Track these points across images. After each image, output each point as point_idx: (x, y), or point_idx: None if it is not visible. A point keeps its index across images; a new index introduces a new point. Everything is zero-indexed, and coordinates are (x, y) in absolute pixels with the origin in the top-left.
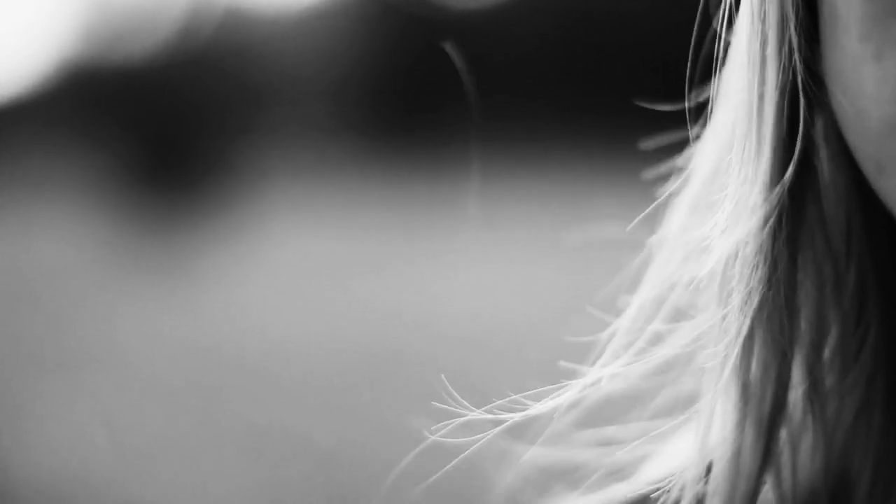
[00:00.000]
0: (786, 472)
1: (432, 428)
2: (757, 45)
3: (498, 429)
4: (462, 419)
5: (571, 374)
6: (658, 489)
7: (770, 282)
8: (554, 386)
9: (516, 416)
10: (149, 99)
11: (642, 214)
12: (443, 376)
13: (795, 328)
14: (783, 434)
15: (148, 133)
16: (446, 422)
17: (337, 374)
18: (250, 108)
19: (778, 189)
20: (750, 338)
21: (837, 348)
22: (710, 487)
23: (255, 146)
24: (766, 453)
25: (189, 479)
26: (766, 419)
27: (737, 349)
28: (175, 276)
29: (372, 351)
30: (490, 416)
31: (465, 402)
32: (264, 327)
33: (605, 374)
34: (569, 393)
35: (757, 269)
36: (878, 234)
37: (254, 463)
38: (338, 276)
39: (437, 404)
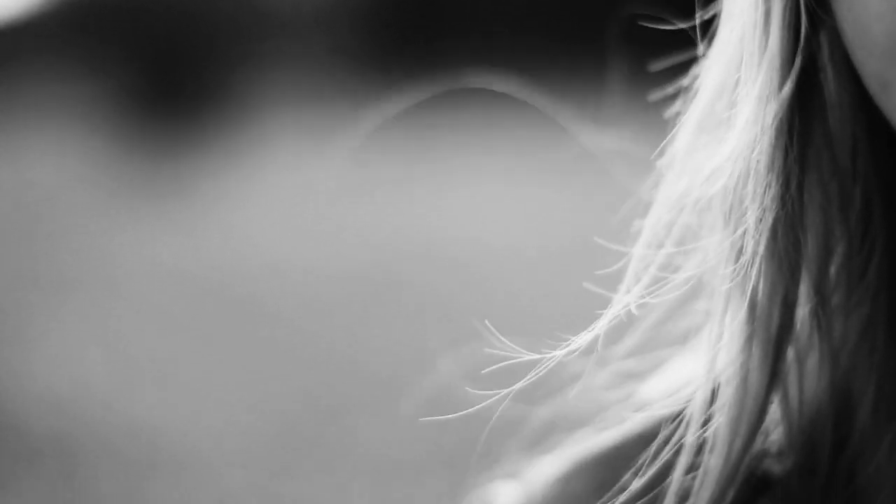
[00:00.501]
0: (793, 391)
1: (448, 364)
2: None
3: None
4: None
5: (580, 305)
6: (669, 415)
7: (781, 200)
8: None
9: (559, 354)
10: (149, 24)
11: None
12: (485, 322)
13: (803, 247)
14: (790, 353)
15: (148, 58)
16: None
17: (335, 296)
18: (251, 34)
19: (785, 104)
20: (758, 257)
21: (843, 267)
22: (719, 408)
23: (256, 72)
24: (774, 372)
25: (187, 398)
26: (773, 338)
27: (745, 269)
28: (174, 199)
29: (370, 274)
30: (535, 356)
31: (508, 343)
32: (263, 251)
33: (630, 302)
34: (602, 323)
35: (770, 187)
36: (883, 152)
37: (251, 382)
38: (337, 201)
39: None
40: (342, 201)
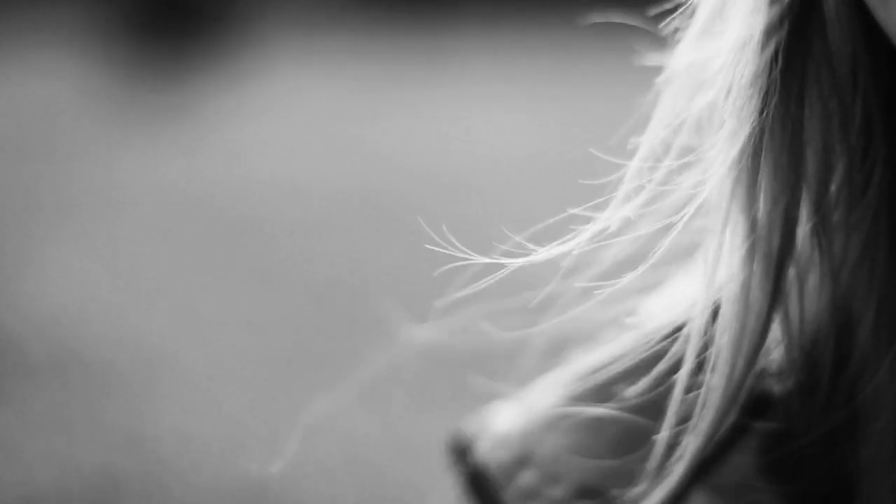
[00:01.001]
0: (793, 310)
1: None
2: None
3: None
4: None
5: (579, 220)
6: (669, 334)
7: (781, 115)
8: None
9: (519, 262)
10: None
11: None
12: (451, 229)
13: (803, 163)
14: (791, 272)
15: None
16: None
17: (338, 216)
18: None
19: (783, 14)
20: (758, 172)
21: (843, 184)
22: (719, 326)
23: None
24: (775, 290)
25: (187, 317)
26: (774, 255)
27: (745, 185)
28: (176, 120)
29: (374, 194)
30: (490, 261)
31: (467, 250)
32: (264, 171)
33: (616, 219)
34: (579, 238)
35: (769, 101)
36: (883, 69)
37: (252, 302)
38: (339, 122)
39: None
40: (346, 122)
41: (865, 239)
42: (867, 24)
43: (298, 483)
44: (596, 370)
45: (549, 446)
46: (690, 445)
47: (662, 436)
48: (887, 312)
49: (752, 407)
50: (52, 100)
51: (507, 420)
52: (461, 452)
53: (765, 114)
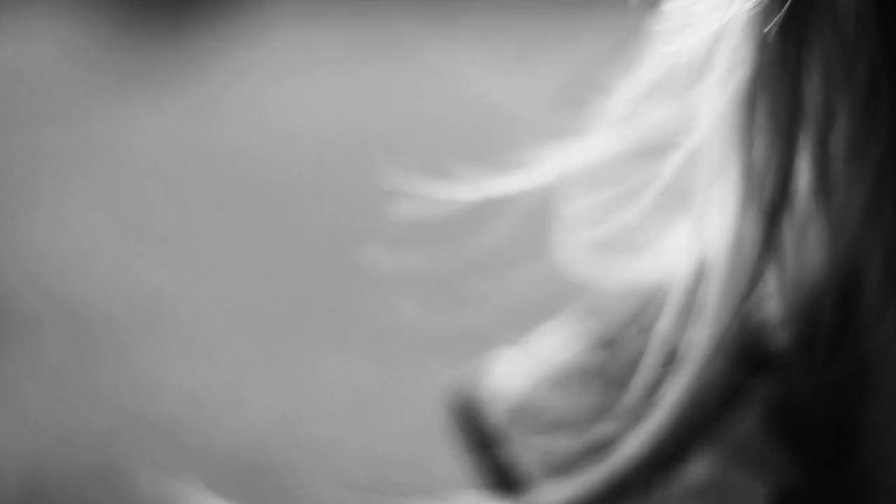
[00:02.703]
0: (790, 262)
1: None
2: None
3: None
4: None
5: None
6: (656, 285)
7: (778, 61)
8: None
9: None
10: None
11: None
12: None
13: (801, 111)
14: (790, 226)
15: None
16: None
17: (344, 169)
18: None
19: None
20: (753, 118)
21: (846, 135)
22: (710, 276)
23: None
24: (769, 241)
25: (193, 269)
26: (769, 204)
27: (738, 133)
28: (180, 75)
29: (380, 146)
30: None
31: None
32: (270, 126)
33: (593, 144)
34: (556, 163)
35: (765, 45)
36: (891, 23)
37: (258, 254)
38: (347, 77)
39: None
40: (354, 77)
41: (868, 192)
42: None
43: (302, 435)
44: (589, 324)
45: (542, 397)
46: (669, 396)
47: (632, 394)
48: (893, 266)
49: (750, 362)
50: (55, 57)
51: (504, 373)
52: (460, 406)
53: (765, 55)
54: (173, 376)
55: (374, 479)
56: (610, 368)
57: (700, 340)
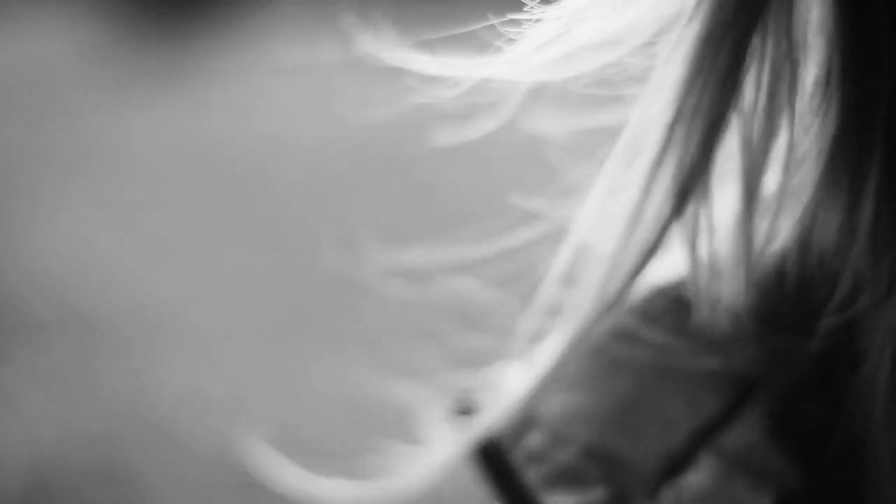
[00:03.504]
0: (702, 236)
1: None
2: None
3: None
4: None
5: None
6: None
7: (722, 50)
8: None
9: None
10: None
11: None
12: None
13: (730, 104)
14: (702, 206)
15: None
16: None
17: (343, 173)
18: None
19: None
20: (687, 101)
21: (787, 141)
22: (606, 231)
23: None
24: (678, 206)
25: (193, 275)
26: (686, 171)
27: (672, 106)
28: (181, 78)
29: (377, 151)
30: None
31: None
32: (271, 129)
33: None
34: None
35: (714, 33)
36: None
37: (258, 259)
38: (345, 80)
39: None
40: (352, 80)
41: (823, 173)
42: None
43: (301, 440)
44: (591, 328)
45: (553, 405)
46: (547, 351)
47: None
48: (882, 269)
49: (731, 390)
50: (57, 57)
51: (511, 380)
52: (467, 415)
53: (706, 48)
54: (172, 382)
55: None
56: (625, 373)
57: (584, 298)
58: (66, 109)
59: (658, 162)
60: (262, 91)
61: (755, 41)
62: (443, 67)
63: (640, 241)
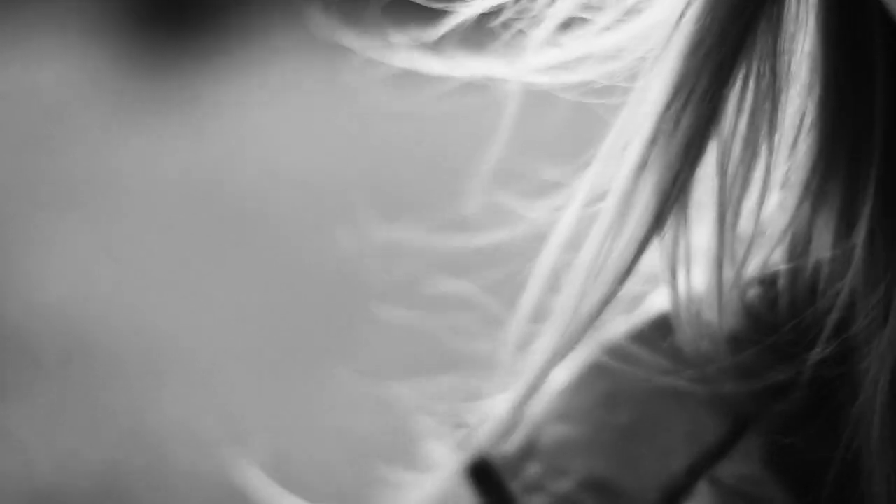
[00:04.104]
0: (681, 262)
1: None
2: None
3: None
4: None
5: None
6: (662, 325)
7: (706, 71)
8: None
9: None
10: None
11: None
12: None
13: (712, 124)
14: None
15: None
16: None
17: (341, 204)
18: None
19: None
20: (671, 116)
21: (766, 165)
22: (586, 244)
23: None
24: (657, 221)
25: (192, 307)
26: (668, 185)
27: (655, 121)
28: (178, 111)
29: (374, 183)
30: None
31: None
32: (269, 162)
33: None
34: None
35: (698, 52)
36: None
37: (256, 290)
38: (345, 111)
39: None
40: (345, 112)
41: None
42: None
43: (297, 470)
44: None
45: (552, 436)
46: (531, 365)
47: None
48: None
49: (759, 394)
50: (55, 88)
51: (509, 409)
52: (464, 444)
53: (690, 67)
54: (172, 414)
55: None
56: (623, 405)
57: (560, 312)
58: (63, 139)
59: (637, 175)
60: (259, 121)
61: (739, 66)
62: (448, 66)
63: (616, 257)
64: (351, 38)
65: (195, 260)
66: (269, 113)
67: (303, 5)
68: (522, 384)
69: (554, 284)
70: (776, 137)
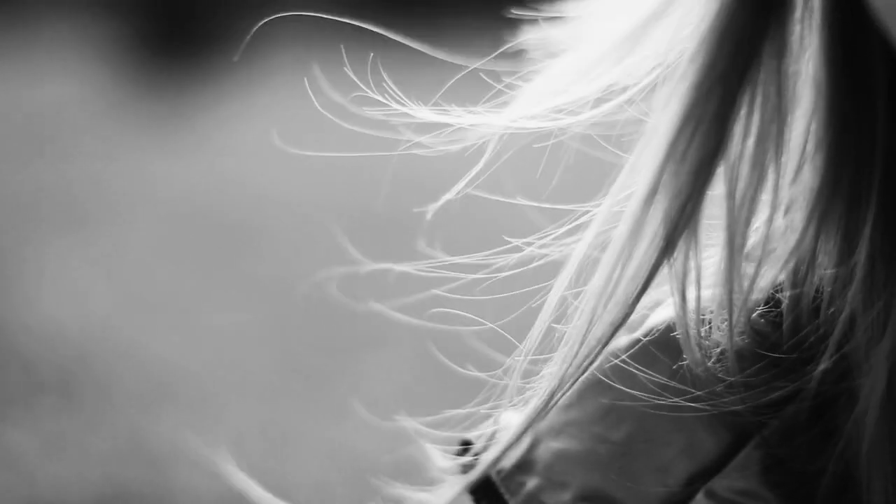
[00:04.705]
0: (691, 282)
1: None
2: None
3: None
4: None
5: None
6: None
7: (714, 96)
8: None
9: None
10: None
11: None
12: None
13: (720, 150)
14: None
15: (158, 3)
16: None
17: (339, 227)
18: None
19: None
20: (678, 146)
21: (773, 186)
22: (596, 272)
23: (260, 14)
24: (667, 246)
25: (189, 330)
26: (674, 214)
27: (662, 151)
28: (178, 132)
29: (371, 206)
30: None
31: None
32: (264, 183)
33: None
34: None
35: (706, 79)
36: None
37: (252, 312)
38: (338, 138)
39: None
40: (341, 135)
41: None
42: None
43: (297, 494)
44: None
45: (550, 450)
46: (539, 389)
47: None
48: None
49: (730, 431)
50: (56, 108)
51: (508, 426)
52: (464, 460)
53: (699, 94)
54: (171, 437)
55: None
56: (620, 418)
57: (570, 338)
58: (63, 159)
59: (648, 204)
60: (256, 145)
61: (745, 91)
62: (443, 117)
63: (626, 283)
64: (347, 75)
65: (193, 281)
66: (266, 136)
67: (303, 30)
68: (531, 408)
69: (563, 312)
70: (783, 160)
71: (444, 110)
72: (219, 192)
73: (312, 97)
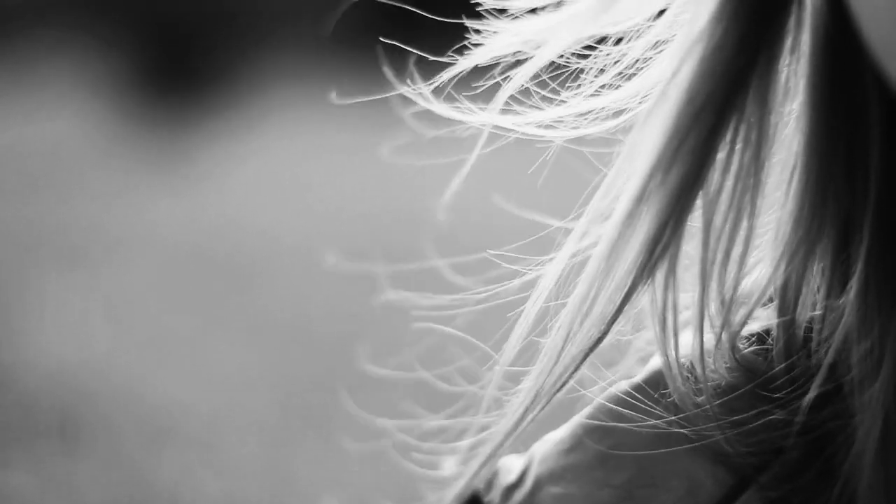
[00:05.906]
0: (669, 317)
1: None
2: None
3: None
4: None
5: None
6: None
7: (695, 129)
8: None
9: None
10: (159, 6)
11: None
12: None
13: (698, 184)
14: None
15: (157, 38)
16: None
17: (334, 269)
18: (256, 16)
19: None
20: (658, 175)
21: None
22: (574, 290)
23: (259, 51)
24: (645, 268)
25: (189, 370)
26: (655, 230)
27: (643, 176)
28: (178, 170)
29: (371, 244)
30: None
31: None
32: (263, 223)
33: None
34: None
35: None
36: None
37: (253, 352)
38: (337, 175)
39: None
40: (341, 173)
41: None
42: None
43: None
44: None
45: (551, 495)
46: (512, 410)
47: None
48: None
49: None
50: (56, 145)
51: (513, 471)
52: (458, 489)
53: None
54: (171, 477)
55: None
56: (621, 464)
57: (546, 354)
58: (63, 196)
59: (625, 227)
60: (257, 184)
61: (729, 123)
62: (462, 113)
63: (603, 302)
64: (355, 93)
65: (193, 320)
66: (266, 173)
67: (302, 66)
68: (506, 423)
69: (541, 328)
70: (759, 198)
71: (461, 108)
72: (218, 230)
73: (317, 131)
